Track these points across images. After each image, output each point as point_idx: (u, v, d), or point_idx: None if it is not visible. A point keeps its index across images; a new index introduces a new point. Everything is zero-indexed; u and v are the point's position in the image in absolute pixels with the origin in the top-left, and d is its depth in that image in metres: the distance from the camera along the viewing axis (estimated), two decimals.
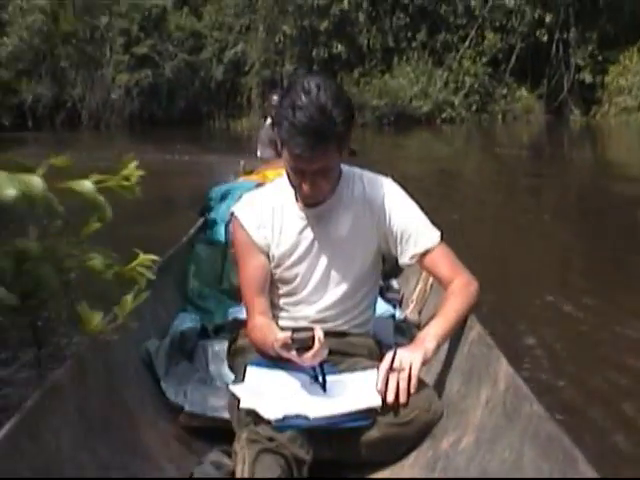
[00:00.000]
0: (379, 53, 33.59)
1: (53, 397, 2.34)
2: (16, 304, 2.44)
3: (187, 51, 35.66)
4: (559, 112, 33.24)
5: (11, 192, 2.14)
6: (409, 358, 2.67)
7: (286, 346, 2.60)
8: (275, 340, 2.64)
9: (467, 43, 32.35)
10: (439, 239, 2.97)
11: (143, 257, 2.67)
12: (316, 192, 2.83)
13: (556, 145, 25.32)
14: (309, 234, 2.98)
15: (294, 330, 2.68)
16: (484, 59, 32.53)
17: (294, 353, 2.59)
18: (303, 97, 2.64)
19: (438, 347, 2.78)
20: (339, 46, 32.73)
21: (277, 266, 3.00)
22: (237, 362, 3.09)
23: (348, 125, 2.71)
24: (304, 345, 2.58)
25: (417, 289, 4.08)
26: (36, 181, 2.23)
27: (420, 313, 3.98)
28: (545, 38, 31.60)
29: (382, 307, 3.73)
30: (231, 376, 3.18)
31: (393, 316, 3.83)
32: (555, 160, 20.39)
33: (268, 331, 2.82)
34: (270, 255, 2.99)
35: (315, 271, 3.00)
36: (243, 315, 3.24)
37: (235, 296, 3.96)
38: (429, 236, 2.96)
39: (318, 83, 2.66)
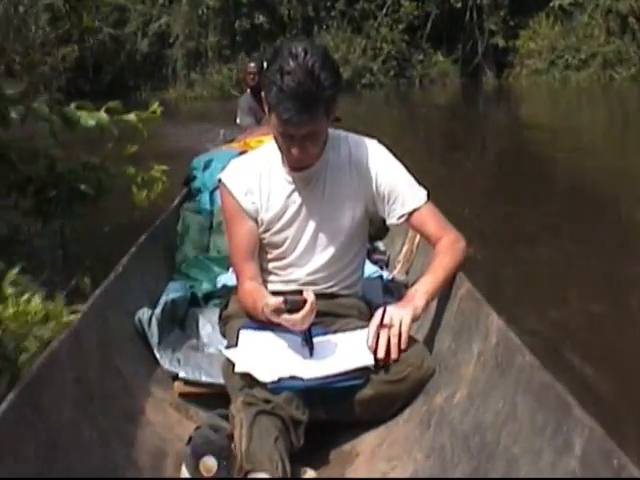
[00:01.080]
0: (299, 23, 33.24)
1: (51, 368, 2.30)
2: (92, 193, 4.42)
3: (112, 25, 34.87)
4: (474, 75, 33.43)
5: (92, 122, 4.03)
6: (399, 314, 2.66)
7: (277, 310, 2.56)
8: (265, 305, 2.60)
9: (384, 11, 32.21)
10: (426, 198, 2.94)
11: (157, 167, 4.76)
12: (305, 156, 2.77)
13: (472, 105, 25.95)
14: (297, 198, 2.93)
15: (285, 294, 2.65)
16: (401, 26, 32.45)
17: (285, 316, 2.56)
18: (291, 62, 2.57)
19: (427, 304, 2.77)
20: (261, 17, 32.30)
21: (266, 231, 2.96)
22: (229, 328, 3.05)
23: (336, 89, 2.66)
24: (295, 307, 2.55)
25: (403, 250, 4.06)
26: (103, 115, 4.14)
27: (407, 273, 3.96)
28: (459, 5, 31.61)
29: (370, 269, 3.68)
30: (223, 342, 3.12)
31: (381, 277, 3.78)
32: (471, 116, 21.35)
33: (258, 296, 2.77)
34: (259, 220, 2.95)
35: (304, 234, 2.96)
36: (232, 282, 3.22)
37: (223, 263, 3.95)
38: (416, 195, 2.93)
39: (305, 48, 2.60)
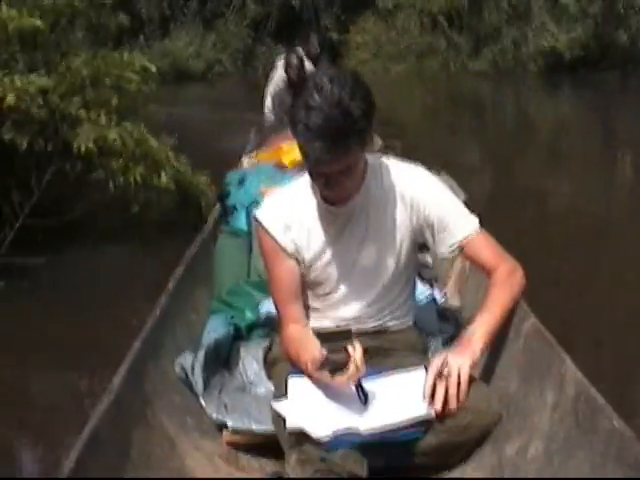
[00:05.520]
0: (157, 21, 31.97)
1: (94, 446, 1.88)
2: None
3: None
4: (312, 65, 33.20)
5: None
6: (456, 363, 2.15)
7: (321, 366, 2.09)
8: (311, 361, 2.11)
9: (231, 10, 31.33)
10: (478, 226, 2.37)
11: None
12: (341, 193, 2.25)
13: None
14: (340, 233, 2.37)
15: (333, 334, 2.12)
16: (246, 23, 31.68)
17: (327, 374, 2.07)
18: (316, 96, 2.03)
19: (485, 347, 2.25)
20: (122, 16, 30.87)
21: (309, 269, 2.41)
22: (275, 372, 2.54)
23: (368, 117, 2.09)
24: (338, 367, 2.06)
25: (454, 267, 3.37)
26: None
27: (460, 292, 3.31)
28: (297, 4, 31.15)
29: (419, 288, 3.00)
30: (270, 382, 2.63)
31: (434, 300, 3.18)
32: None
33: (302, 348, 2.25)
34: (300, 259, 2.39)
35: (350, 271, 2.40)
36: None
37: (264, 288, 3.24)
38: (467, 224, 2.36)
39: (331, 77, 2.06)
